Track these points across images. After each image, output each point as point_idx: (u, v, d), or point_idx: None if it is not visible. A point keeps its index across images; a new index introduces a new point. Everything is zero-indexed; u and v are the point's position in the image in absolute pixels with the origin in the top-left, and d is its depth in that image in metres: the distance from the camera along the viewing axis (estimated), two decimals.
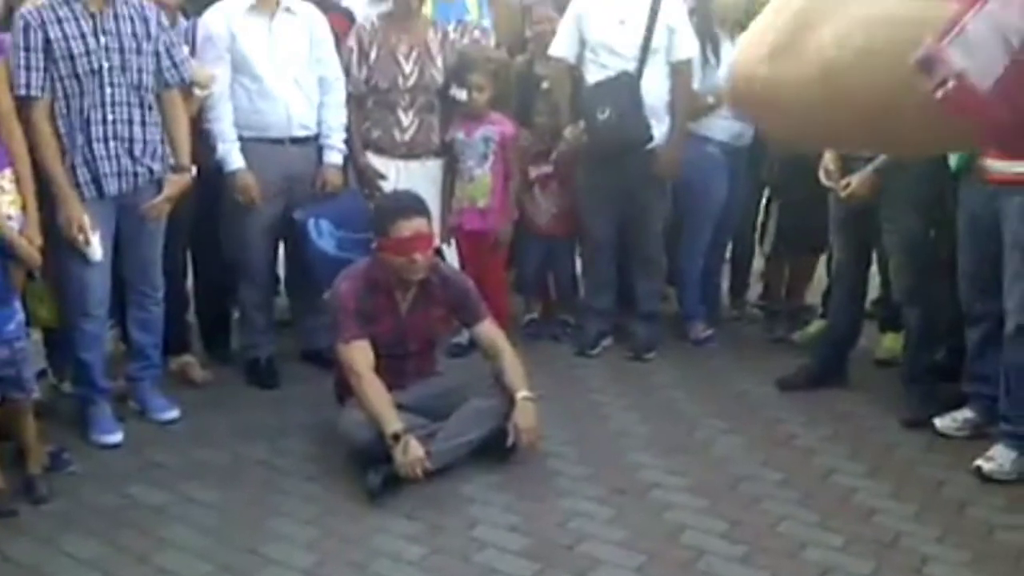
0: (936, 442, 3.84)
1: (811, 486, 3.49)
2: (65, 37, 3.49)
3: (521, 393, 3.60)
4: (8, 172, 3.40)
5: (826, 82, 0.79)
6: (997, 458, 3.53)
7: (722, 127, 4.80)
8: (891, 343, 4.67)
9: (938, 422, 3.91)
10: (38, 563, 2.94)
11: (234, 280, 4.49)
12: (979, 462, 3.54)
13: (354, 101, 4.50)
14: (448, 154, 4.68)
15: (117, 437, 3.75)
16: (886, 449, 3.81)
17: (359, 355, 3.54)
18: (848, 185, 4.01)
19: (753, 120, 0.93)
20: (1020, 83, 0.71)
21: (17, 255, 3.29)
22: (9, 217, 3.36)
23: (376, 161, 4.58)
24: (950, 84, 0.68)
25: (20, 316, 3.32)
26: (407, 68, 4.51)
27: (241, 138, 4.22)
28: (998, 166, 3.46)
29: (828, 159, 4.10)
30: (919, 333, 4.10)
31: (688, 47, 4.65)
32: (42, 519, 3.20)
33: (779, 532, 3.18)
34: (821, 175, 4.13)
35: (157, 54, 3.70)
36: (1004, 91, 0.70)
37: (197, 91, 4.04)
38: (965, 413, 3.88)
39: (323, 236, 4.27)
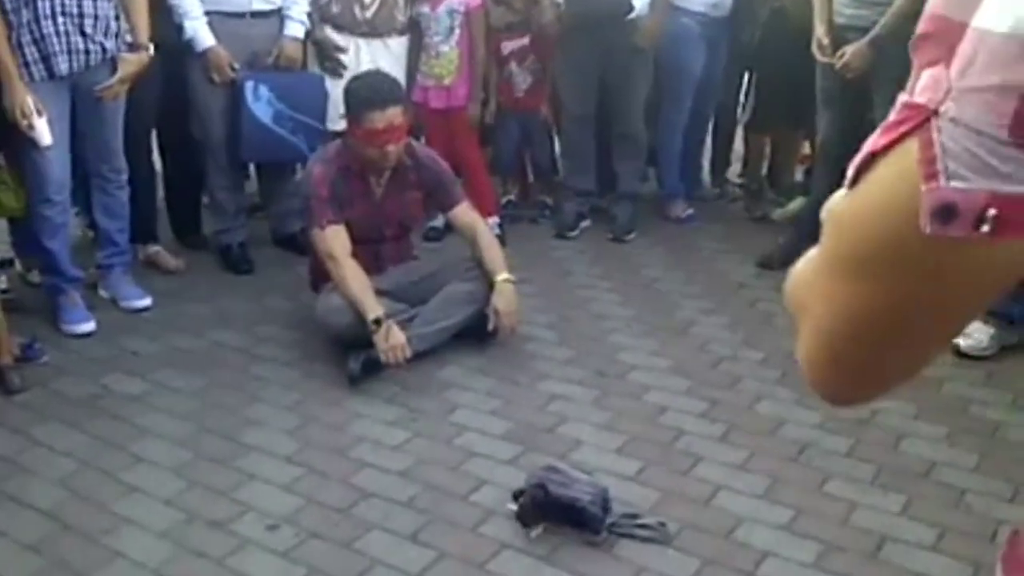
0: None
1: (789, 365, 3.49)
2: None
3: (501, 276, 3.55)
4: None
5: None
6: (974, 334, 3.54)
7: None
8: None
9: None
10: (14, 454, 2.91)
11: (202, 163, 4.38)
12: (957, 340, 3.55)
13: None
14: (413, 30, 4.52)
15: (89, 326, 3.69)
16: None
17: (336, 240, 3.47)
18: (843, 56, 3.91)
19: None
20: None
21: None
22: None
23: (337, 38, 4.42)
24: (990, 211, 0.53)
25: None
26: None
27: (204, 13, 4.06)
28: None
29: (821, 32, 4.00)
30: None
31: None
32: (16, 410, 3.15)
33: (757, 411, 3.20)
34: (814, 49, 4.02)
35: None
36: None
37: None
38: None
39: (260, 102, 4.15)
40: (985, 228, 0.53)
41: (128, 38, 3.65)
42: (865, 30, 3.86)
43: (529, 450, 2.94)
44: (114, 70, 3.63)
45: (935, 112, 0.55)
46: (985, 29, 0.53)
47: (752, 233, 4.82)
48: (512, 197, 5.13)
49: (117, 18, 3.60)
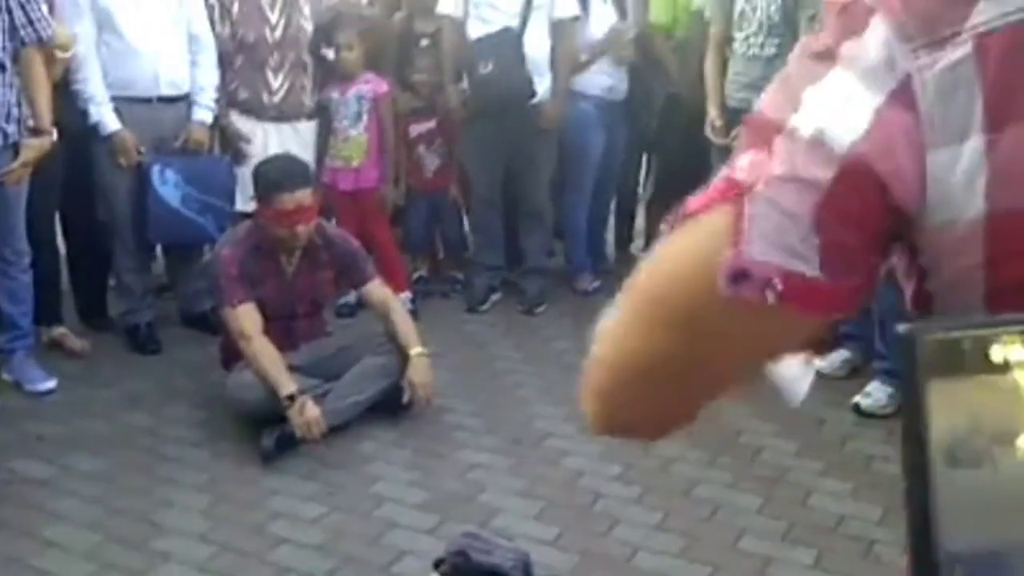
0: (816, 382, 3.95)
1: (699, 429, 3.54)
2: None
3: (415, 350, 3.59)
4: None
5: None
6: (874, 394, 3.69)
7: (594, 82, 4.86)
8: None
9: (817, 363, 4.06)
10: None
11: (108, 245, 4.33)
12: (857, 399, 3.70)
13: (221, 60, 4.36)
14: (322, 114, 4.59)
15: None
16: (770, 391, 3.92)
17: (247, 318, 3.47)
18: (735, 138, 4.10)
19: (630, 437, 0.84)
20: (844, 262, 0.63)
21: None
22: None
23: (245, 123, 4.46)
24: (775, 282, 0.61)
25: None
26: (273, 18, 4.39)
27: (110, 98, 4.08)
28: None
29: (714, 115, 4.20)
30: None
31: (569, 5, 4.67)
32: None
33: (671, 472, 3.27)
34: (708, 131, 4.22)
35: (9, 11, 3.50)
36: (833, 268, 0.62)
37: (59, 52, 3.85)
38: (842, 353, 4.04)
39: (166, 185, 4.16)
40: (769, 296, 0.62)
41: (30, 123, 3.63)
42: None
43: (449, 519, 2.94)
44: (16, 155, 3.59)
45: (750, 189, 0.63)
46: (797, 131, 0.62)
47: None
48: (423, 273, 5.18)
49: (19, 104, 3.59)
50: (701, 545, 2.81)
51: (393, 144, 4.65)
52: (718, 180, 0.66)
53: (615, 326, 0.72)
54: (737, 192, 0.64)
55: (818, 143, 0.61)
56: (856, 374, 3.94)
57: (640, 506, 3.04)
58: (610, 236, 5.59)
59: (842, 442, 3.48)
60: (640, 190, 5.55)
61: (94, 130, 4.07)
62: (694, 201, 0.67)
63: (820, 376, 4.00)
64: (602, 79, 4.87)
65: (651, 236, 5.46)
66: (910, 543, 0.53)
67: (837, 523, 2.95)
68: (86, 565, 2.70)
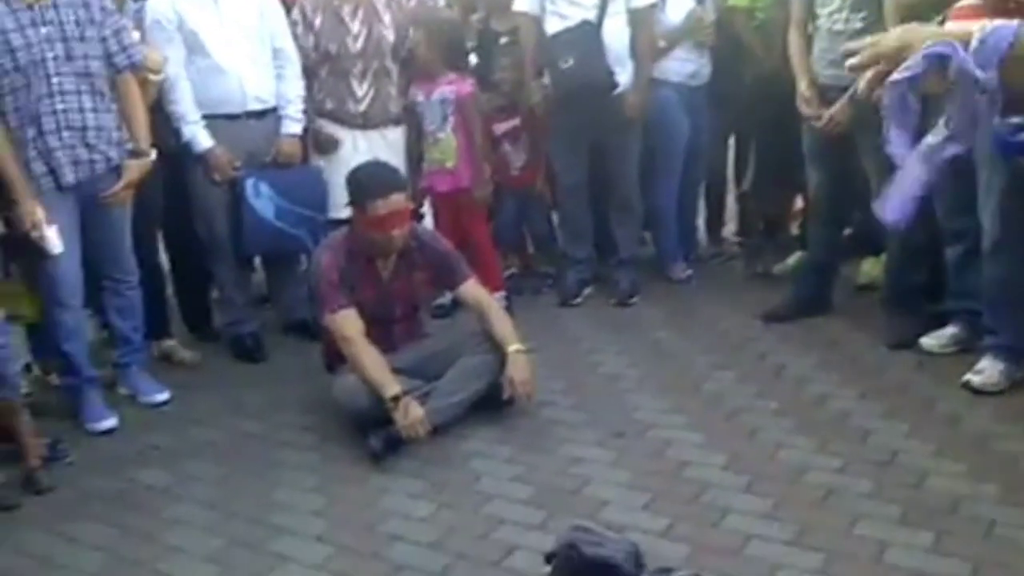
0: (924, 361, 3.90)
1: (806, 413, 3.54)
2: (3, 31, 3.41)
3: (513, 346, 3.61)
4: None
5: None
6: (986, 371, 3.59)
7: (676, 69, 4.84)
8: (871, 268, 4.73)
9: (924, 341, 3.96)
10: (48, 553, 2.92)
11: (209, 259, 4.45)
12: (968, 376, 3.60)
13: (306, 72, 4.44)
14: (410, 118, 4.63)
15: (111, 423, 3.73)
16: (876, 372, 3.86)
17: (348, 323, 3.53)
18: (827, 115, 4.03)
19: None
20: None
21: None
22: None
23: (334, 129, 4.53)
24: None
25: None
26: (355, 28, 4.45)
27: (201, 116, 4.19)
28: None
29: (804, 87, 4.13)
30: (900, 254, 4.14)
31: None
32: (47, 510, 3.17)
33: (779, 459, 3.22)
34: (800, 104, 4.15)
35: (104, 40, 3.62)
36: None
37: (151, 76, 3.98)
38: (950, 330, 3.94)
39: (260, 198, 4.25)
40: None
41: (130, 145, 3.75)
42: (843, 89, 3.98)
43: (556, 513, 2.95)
44: (119, 177, 3.72)
45: None
46: None
47: (750, 289, 4.89)
48: (515, 270, 5.20)
49: (119, 127, 3.71)
50: (815, 532, 2.77)
51: (483, 142, 4.67)
52: None
53: None
54: None
55: None
56: (965, 351, 3.83)
57: (750, 494, 3.00)
58: (701, 223, 5.54)
59: (954, 421, 3.39)
60: (729, 175, 5.49)
61: (187, 149, 4.19)
62: None
63: (929, 354, 3.92)
64: (684, 65, 4.84)
65: (745, 221, 5.41)
66: None
67: (954, 504, 2.87)
68: (208, 567, 2.78)
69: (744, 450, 3.29)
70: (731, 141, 5.35)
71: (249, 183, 4.24)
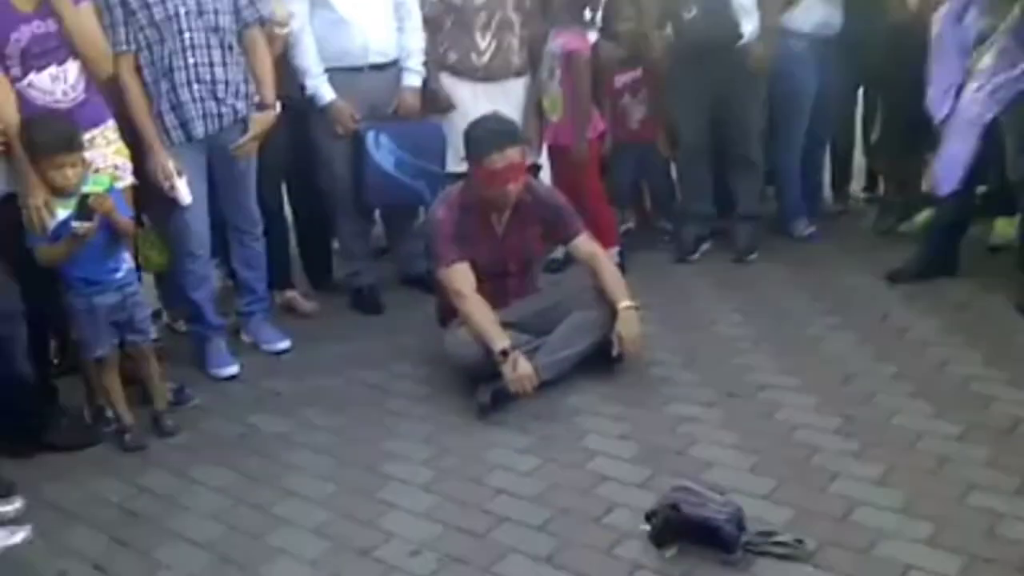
0: None
1: (925, 378, 3.42)
2: None
3: (623, 303, 3.60)
4: (112, 123, 3.51)
5: None
6: None
7: (805, 19, 4.68)
8: (1004, 228, 4.50)
9: None
10: (172, 493, 3.09)
11: (331, 211, 4.56)
12: None
13: (430, 24, 4.47)
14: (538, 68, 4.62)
15: (234, 369, 3.90)
16: (1003, 337, 3.70)
17: (461, 277, 3.58)
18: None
19: None
20: None
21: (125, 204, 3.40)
22: (115, 167, 3.48)
23: (455, 83, 4.55)
24: None
25: (129, 263, 3.43)
26: None
27: (324, 70, 4.26)
28: None
29: None
30: None
31: None
32: (172, 451, 3.35)
33: (893, 425, 3.14)
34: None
35: None
36: None
37: (277, 29, 4.07)
38: None
39: (381, 150, 4.30)
40: None
41: (256, 99, 3.86)
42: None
43: (660, 472, 2.95)
44: (245, 130, 3.84)
45: None
46: None
47: (877, 247, 4.73)
48: (631, 225, 5.17)
49: (246, 81, 3.82)
50: (925, 501, 2.69)
51: (587, 102, 4.59)
52: None
53: None
54: None
55: None
56: None
57: (860, 460, 2.94)
58: (826, 179, 5.37)
59: None
60: (858, 129, 5.29)
61: (311, 102, 4.28)
62: None
63: None
64: (814, 14, 4.66)
65: (874, 176, 5.22)
66: None
67: None
68: (321, 512, 2.90)
69: (858, 414, 3.21)
70: (860, 93, 5.14)
71: (370, 135, 4.31)
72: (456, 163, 4.28)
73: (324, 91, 4.27)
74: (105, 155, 3.47)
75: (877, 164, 5.21)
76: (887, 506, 2.69)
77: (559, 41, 4.51)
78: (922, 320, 3.90)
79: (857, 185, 5.48)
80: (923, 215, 4.84)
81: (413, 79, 4.42)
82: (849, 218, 5.26)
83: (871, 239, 4.90)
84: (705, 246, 4.86)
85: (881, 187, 5.24)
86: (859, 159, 5.40)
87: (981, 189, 4.51)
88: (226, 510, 2.97)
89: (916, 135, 4.72)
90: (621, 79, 4.84)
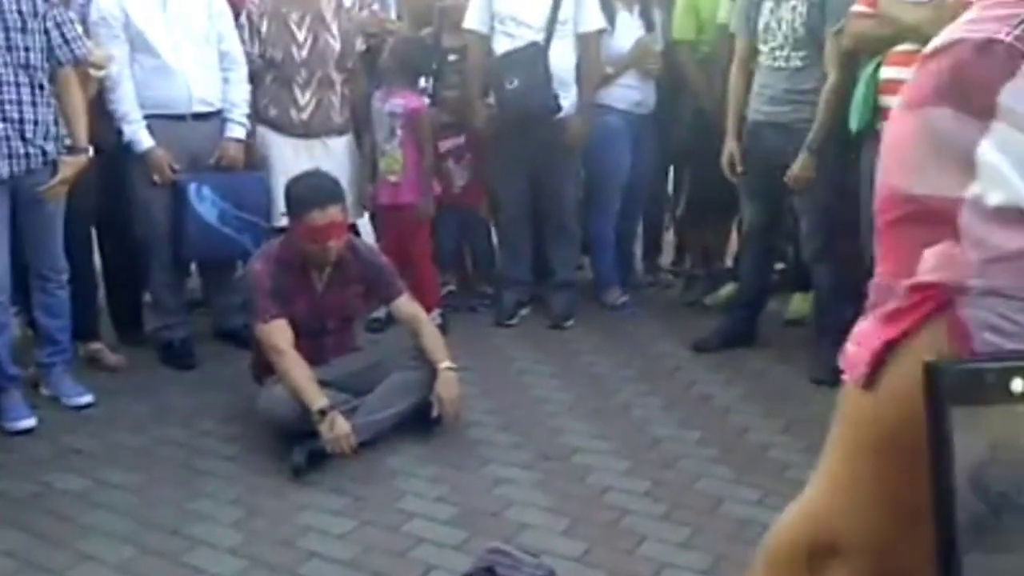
0: None
1: (727, 443, 3.59)
2: None
3: (443, 364, 3.62)
4: None
5: None
6: None
7: (621, 96, 4.90)
8: (800, 304, 4.82)
9: None
10: None
11: (144, 261, 4.41)
12: None
13: (252, 78, 4.44)
14: (369, 125, 4.64)
15: (30, 423, 3.67)
16: (799, 406, 3.93)
17: (278, 333, 3.51)
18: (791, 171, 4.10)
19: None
20: None
21: None
22: None
23: (276, 138, 4.53)
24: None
25: None
26: (300, 36, 4.46)
27: (143, 116, 4.15)
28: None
29: (732, 147, 4.25)
30: (829, 291, 4.22)
31: (595, 19, 4.70)
32: None
33: (698, 489, 3.27)
34: (723, 164, 4.27)
35: (46, 32, 3.59)
36: None
37: (93, 72, 3.94)
38: None
39: (204, 202, 4.22)
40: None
41: (67, 141, 3.71)
42: (783, 126, 4.06)
43: (476, 535, 2.96)
44: (54, 172, 3.67)
45: (959, 289, 0.53)
46: (982, 201, 0.52)
47: (685, 318, 4.96)
48: (452, 287, 5.22)
49: (56, 122, 3.67)
50: (728, 563, 2.81)
51: (432, 159, 4.66)
52: (901, 295, 0.55)
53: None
54: (944, 298, 0.53)
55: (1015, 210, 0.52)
56: None
57: (667, 523, 3.05)
58: (638, 250, 5.60)
59: None
60: (668, 204, 5.56)
61: (128, 148, 4.15)
62: (883, 330, 0.56)
63: None
64: (629, 93, 4.90)
65: (681, 251, 5.48)
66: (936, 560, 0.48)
67: None
68: None
69: (665, 478, 3.34)
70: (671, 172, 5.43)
71: (192, 187, 4.21)
72: (281, 218, 4.22)
73: (142, 137, 4.16)
74: None
75: (683, 237, 5.48)
76: (693, 568, 2.80)
77: (398, 101, 4.54)
78: (725, 389, 4.11)
79: (666, 258, 5.73)
80: (726, 289, 5.11)
81: (237, 130, 4.36)
82: (658, 289, 5.49)
83: (678, 310, 5.13)
84: (524, 311, 4.96)
85: (688, 261, 5.50)
86: (668, 233, 5.67)
87: (779, 266, 4.83)
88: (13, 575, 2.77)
89: (718, 213, 5.01)
90: (445, 144, 4.91)
